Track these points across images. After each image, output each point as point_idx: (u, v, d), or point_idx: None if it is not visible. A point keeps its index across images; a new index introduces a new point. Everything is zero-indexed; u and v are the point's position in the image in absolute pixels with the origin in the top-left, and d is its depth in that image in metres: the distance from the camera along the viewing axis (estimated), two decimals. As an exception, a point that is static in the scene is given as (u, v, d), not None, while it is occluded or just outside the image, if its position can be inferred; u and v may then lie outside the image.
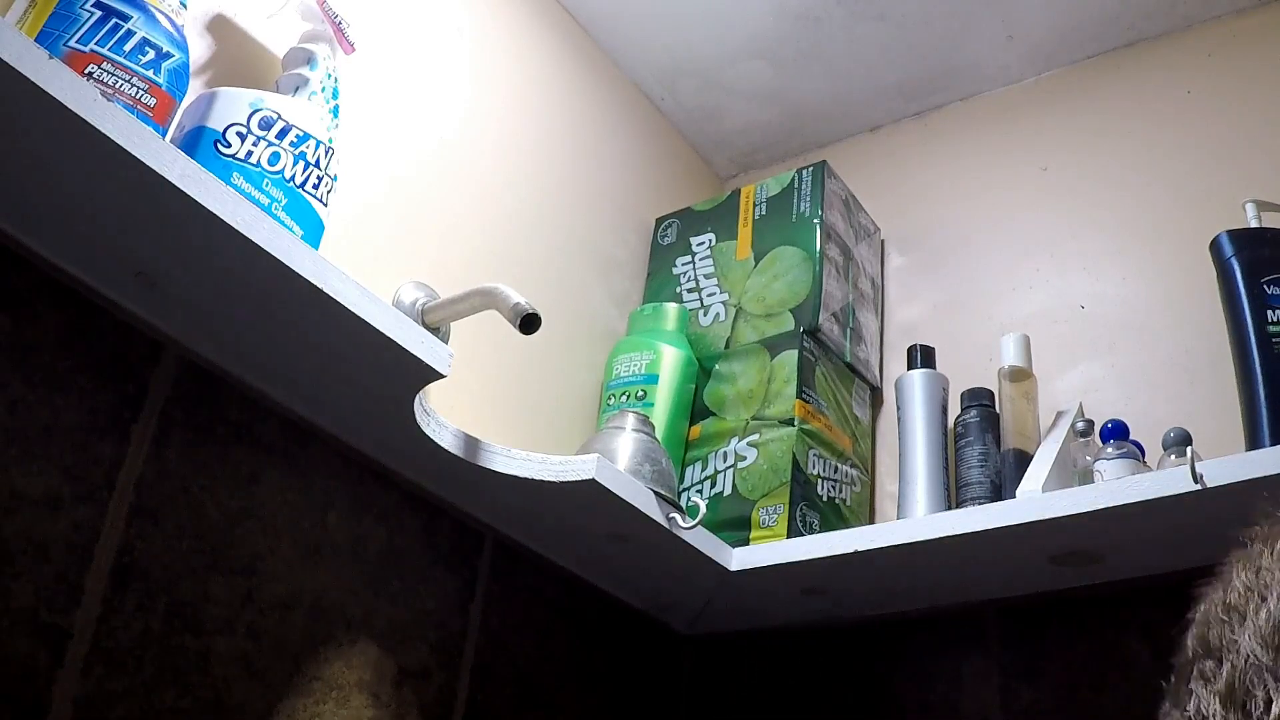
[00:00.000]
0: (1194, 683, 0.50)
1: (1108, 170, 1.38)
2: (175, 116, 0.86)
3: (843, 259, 1.40)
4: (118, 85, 0.79)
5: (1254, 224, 1.14)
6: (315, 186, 0.91)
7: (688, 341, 1.36)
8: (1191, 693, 0.50)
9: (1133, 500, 0.96)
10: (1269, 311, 1.06)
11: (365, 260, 1.08)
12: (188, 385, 0.91)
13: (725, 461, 1.27)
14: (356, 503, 1.02)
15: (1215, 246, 1.13)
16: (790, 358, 1.29)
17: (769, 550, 1.16)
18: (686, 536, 1.10)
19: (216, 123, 0.87)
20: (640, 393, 1.29)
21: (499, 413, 1.21)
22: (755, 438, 1.26)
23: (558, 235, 1.37)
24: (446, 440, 0.99)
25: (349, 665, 0.97)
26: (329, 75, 0.97)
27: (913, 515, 1.18)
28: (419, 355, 0.89)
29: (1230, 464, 0.95)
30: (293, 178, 0.89)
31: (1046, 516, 1.00)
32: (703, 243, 1.46)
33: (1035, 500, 1.03)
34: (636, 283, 1.49)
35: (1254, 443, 1.02)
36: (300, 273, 0.81)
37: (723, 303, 1.40)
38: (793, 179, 1.42)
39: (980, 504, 1.13)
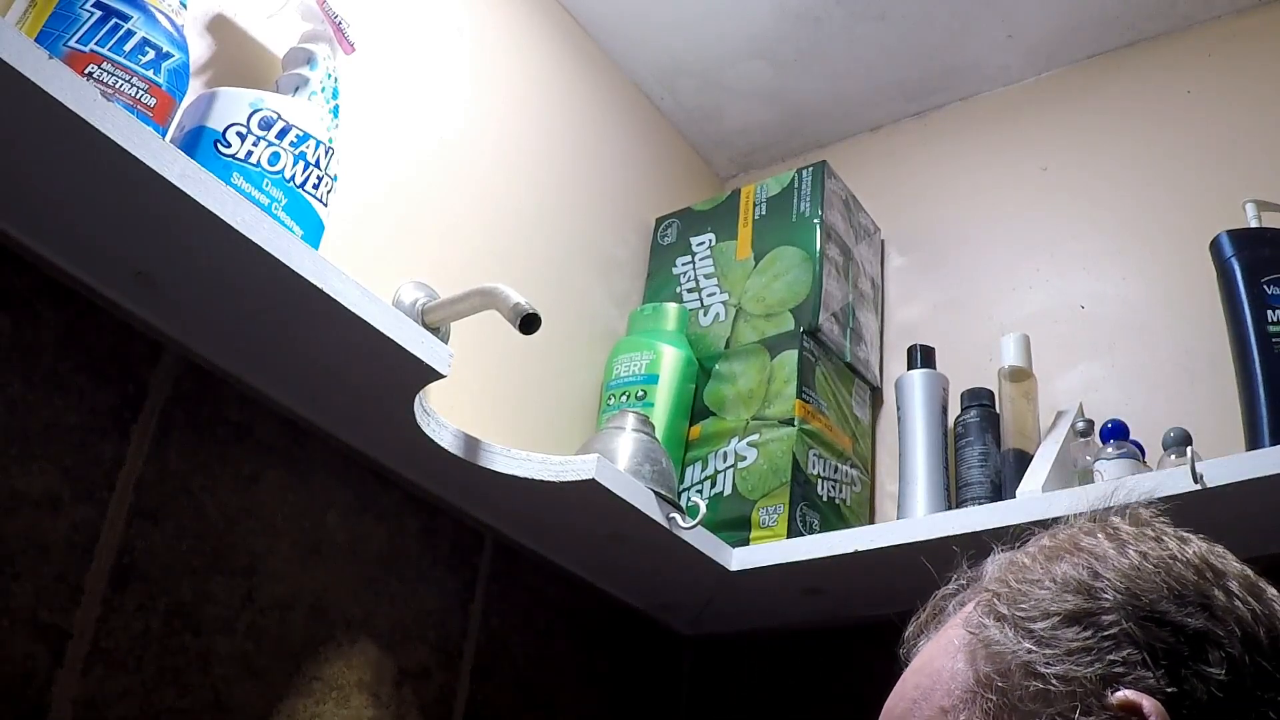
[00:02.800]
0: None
1: (1108, 170, 1.38)
2: (175, 116, 0.86)
3: (843, 259, 1.40)
4: (118, 85, 0.79)
5: (1254, 224, 1.14)
6: (315, 186, 0.91)
7: (688, 341, 1.36)
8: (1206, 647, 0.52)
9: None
10: (1269, 311, 1.06)
11: (365, 260, 1.08)
12: (188, 385, 0.91)
13: (725, 461, 1.27)
14: (356, 503, 1.02)
15: (1215, 246, 1.13)
16: (790, 358, 1.29)
17: (769, 550, 1.16)
18: (686, 536, 1.10)
19: (216, 123, 0.87)
20: (640, 393, 1.29)
21: (499, 413, 1.21)
22: (755, 438, 1.26)
23: (558, 235, 1.37)
24: (446, 440, 0.99)
25: (349, 665, 0.97)
26: (329, 75, 0.97)
27: (913, 515, 1.18)
28: (419, 355, 0.89)
29: (1230, 464, 0.95)
30: (293, 178, 0.89)
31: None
32: (703, 243, 1.46)
33: (1035, 500, 1.03)
34: (636, 283, 1.49)
35: (1254, 443, 1.02)
36: (300, 273, 0.81)
37: (723, 303, 1.40)
38: (793, 179, 1.42)
39: (980, 504, 1.13)
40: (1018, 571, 0.59)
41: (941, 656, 0.59)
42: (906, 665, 0.64)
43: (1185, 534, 0.59)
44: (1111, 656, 0.52)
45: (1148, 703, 0.50)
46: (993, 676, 0.55)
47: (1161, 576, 0.54)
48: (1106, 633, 0.53)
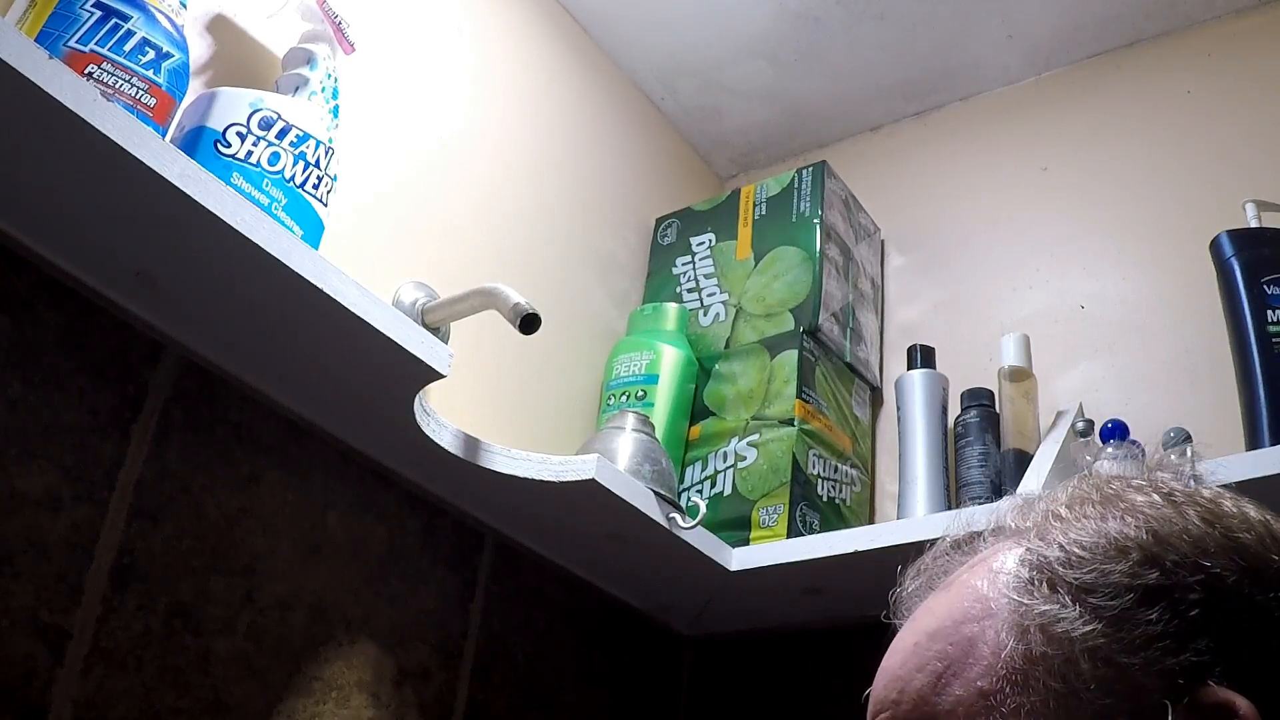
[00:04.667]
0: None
1: (1108, 170, 1.38)
2: (175, 116, 0.86)
3: (843, 259, 1.40)
4: (118, 85, 0.79)
5: (1254, 224, 1.14)
6: (315, 186, 0.91)
7: (688, 341, 1.36)
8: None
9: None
10: (1269, 311, 1.06)
11: (365, 260, 1.08)
12: (188, 385, 0.91)
13: (725, 461, 1.27)
14: (356, 503, 1.02)
15: (1215, 246, 1.13)
16: (790, 358, 1.29)
17: (769, 550, 1.16)
18: (686, 536, 1.10)
19: (216, 123, 0.87)
20: (640, 393, 1.29)
21: (499, 413, 1.21)
22: (755, 438, 1.26)
23: (558, 235, 1.37)
24: (446, 440, 0.99)
25: (349, 665, 0.97)
26: (329, 75, 0.97)
27: (913, 515, 1.18)
28: (419, 355, 0.89)
29: (1230, 464, 0.95)
30: (292, 178, 0.89)
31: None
32: (703, 243, 1.46)
33: (1035, 500, 1.02)
34: (636, 283, 1.49)
35: (1254, 443, 1.02)
36: (300, 273, 0.81)
37: (723, 303, 1.40)
38: (793, 179, 1.42)
39: (980, 504, 1.13)
40: (1063, 527, 0.51)
41: (970, 622, 0.50)
42: (896, 616, 0.57)
43: (1236, 495, 0.53)
44: (1196, 644, 0.45)
45: (1243, 703, 0.43)
46: (1051, 659, 0.46)
47: (1234, 550, 0.48)
48: (1190, 615, 0.46)
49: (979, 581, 0.52)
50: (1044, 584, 0.49)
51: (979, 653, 0.49)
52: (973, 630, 0.49)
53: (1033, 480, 1.07)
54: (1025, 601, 0.49)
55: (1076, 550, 0.49)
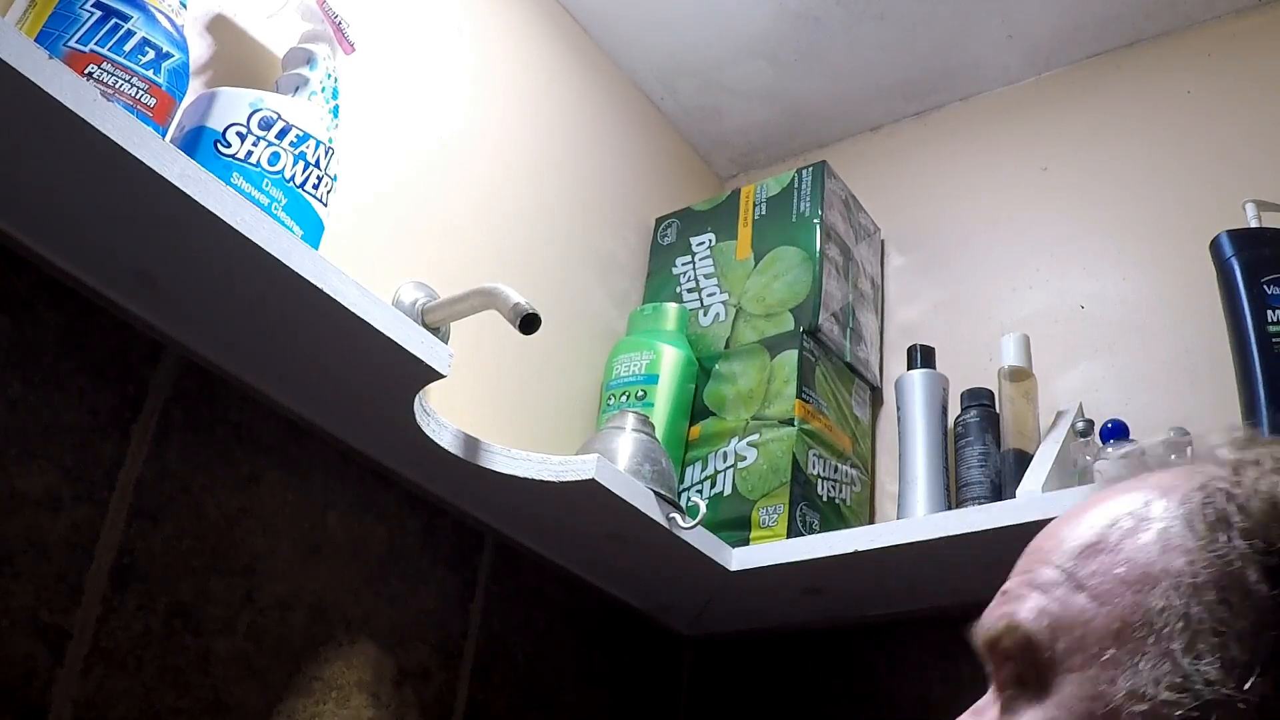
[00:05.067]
0: None
1: (1108, 170, 1.38)
2: (175, 116, 0.86)
3: (843, 259, 1.40)
4: (118, 85, 0.79)
5: (1254, 224, 1.14)
6: (315, 186, 0.91)
7: (688, 341, 1.36)
8: None
9: None
10: (1269, 311, 1.06)
11: (365, 260, 1.08)
12: (188, 385, 0.91)
13: (725, 461, 1.27)
14: (356, 503, 1.02)
15: (1215, 246, 1.13)
16: (790, 358, 1.29)
17: (769, 550, 1.16)
18: (686, 536, 1.10)
19: (216, 123, 0.87)
20: (640, 393, 1.29)
21: (499, 413, 1.21)
22: (755, 438, 1.26)
23: (558, 235, 1.37)
24: (446, 440, 0.99)
25: (349, 665, 0.97)
26: (329, 75, 0.97)
27: (913, 515, 1.18)
28: (419, 355, 0.89)
29: (1230, 464, 0.94)
30: (292, 178, 0.89)
31: (1047, 516, 0.98)
32: (703, 243, 1.46)
33: (1035, 500, 1.03)
34: (636, 283, 1.49)
35: (1254, 443, 1.02)
36: (300, 273, 0.81)
37: (723, 303, 1.40)
38: (793, 179, 1.42)
39: (980, 504, 1.13)
40: (1259, 474, 0.51)
41: (1157, 542, 0.50)
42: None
43: None
44: None
45: None
46: (1217, 609, 0.46)
47: None
48: None
49: (1183, 498, 0.52)
50: (1214, 516, 0.49)
51: (1158, 577, 0.49)
52: (1128, 524, 0.52)
53: (1032, 480, 1.07)
54: (1220, 553, 0.49)
55: (1269, 524, 0.49)
